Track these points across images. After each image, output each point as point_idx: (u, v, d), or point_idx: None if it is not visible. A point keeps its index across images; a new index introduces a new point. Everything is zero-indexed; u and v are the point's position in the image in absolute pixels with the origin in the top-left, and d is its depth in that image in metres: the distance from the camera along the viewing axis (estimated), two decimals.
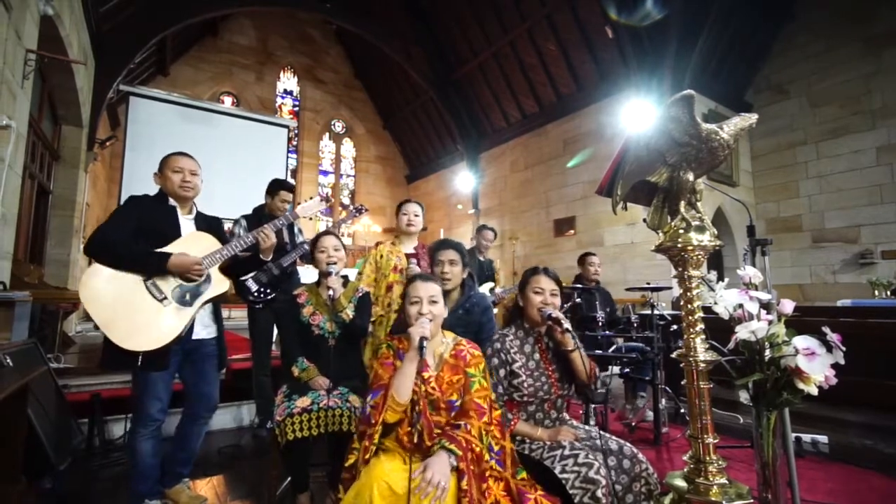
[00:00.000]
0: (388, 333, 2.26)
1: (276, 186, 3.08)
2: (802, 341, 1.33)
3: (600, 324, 2.93)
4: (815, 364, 1.29)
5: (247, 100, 11.20)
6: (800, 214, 7.51)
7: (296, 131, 11.63)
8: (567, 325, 1.59)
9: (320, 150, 12.30)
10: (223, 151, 8.12)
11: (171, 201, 2.01)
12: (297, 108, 12.04)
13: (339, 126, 12.69)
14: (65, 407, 2.40)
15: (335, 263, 2.12)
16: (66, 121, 5.98)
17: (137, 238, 1.86)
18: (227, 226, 2.57)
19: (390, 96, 12.34)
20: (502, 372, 1.65)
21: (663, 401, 3.02)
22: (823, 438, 2.78)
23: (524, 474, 1.45)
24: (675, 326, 3.19)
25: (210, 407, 2.07)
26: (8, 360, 1.98)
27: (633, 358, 2.82)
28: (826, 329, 1.34)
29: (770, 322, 1.46)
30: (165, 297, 1.86)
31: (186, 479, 2.07)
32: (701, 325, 1.45)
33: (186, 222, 2.03)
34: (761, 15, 7.28)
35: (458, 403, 1.43)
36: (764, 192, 7.96)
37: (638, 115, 6.86)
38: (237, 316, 7.85)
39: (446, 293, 2.09)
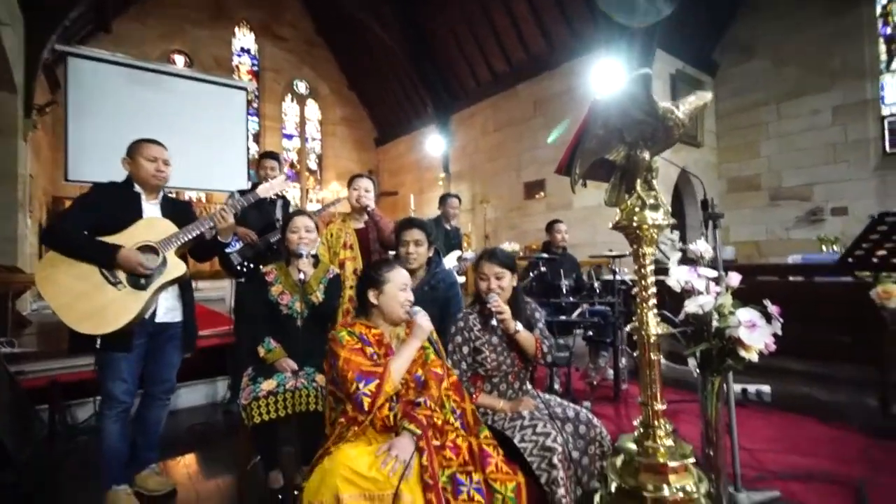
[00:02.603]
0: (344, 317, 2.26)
1: (260, 156, 3.13)
2: (745, 314, 1.40)
3: (565, 291, 3.01)
4: (756, 335, 1.37)
5: (200, 59, 10.48)
6: (759, 174, 7.76)
7: (255, 93, 11.04)
8: (504, 314, 1.64)
9: (283, 112, 11.76)
10: (178, 117, 7.62)
11: (137, 188, 1.98)
12: (255, 68, 11.38)
13: (301, 87, 12.10)
14: (20, 395, 2.34)
15: (306, 245, 2.08)
16: None
17: (100, 225, 1.83)
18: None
19: (355, 55, 11.77)
20: (465, 349, 1.70)
21: (623, 360, 3.17)
22: (767, 388, 3.00)
23: (487, 432, 1.51)
24: (635, 290, 3.31)
25: (167, 389, 2.07)
26: None
27: (596, 322, 2.93)
28: (767, 301, 1.41)
29: (718, 294, 1.53)
30: (120, 282, 1.82)
31: (154, 466, 2.08)
32: (654, 301, 1.51)
33: (151, 208, 2.00)
34: None
35: (422, 378, 1.47)
36: (727, 152, 8.15)
37: (607, 75, 6.80)
38: (204, 287, 7.71)
39: (411, 272, 2.09)
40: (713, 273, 1.45)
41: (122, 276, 1.82)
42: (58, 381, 2.57)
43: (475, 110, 9.72)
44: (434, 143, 10.37)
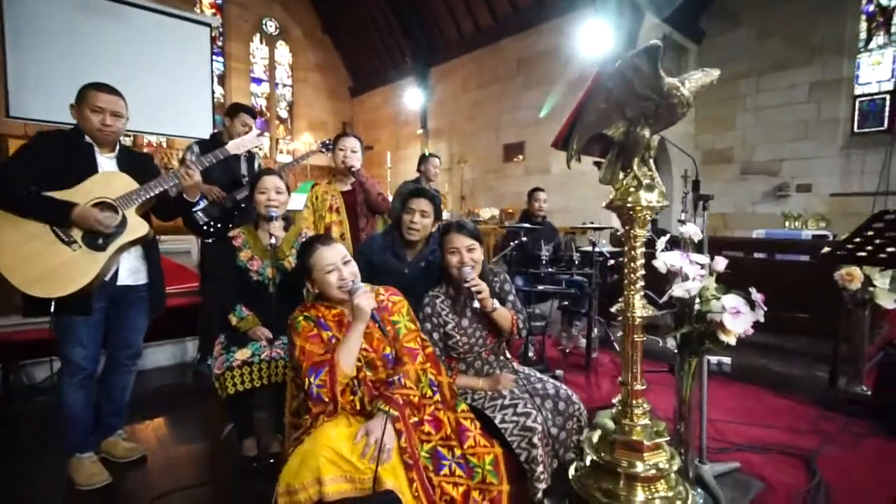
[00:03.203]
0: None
1: (236, 109, 2.88)
2: (731, 300, 1.42)
3: (544, 261, 3.01)
4: (739, 321, 1.39)
5: None
6: (733, 147, 7.86)
7: (220, 30, 10.20)
8: (483, 292, 1.58)
9: (251, 53, 10.96)
10: (134, 52, 6.97)
11: (87, 138, 1.76)
12: (220, 2, 10.44)
13: (271, 26, 11.24)
14: None
15: (276, 207, 1.96)
16: None
17: (46, 180, 1.64)
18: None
19: None
20: (436, 335, 1.66)
21: (595, 330, 3.25)
22: (727, 360, 3.16)
23: (464, 405, 1.51)
24: (612, 262, 3.34)
25: (132, 355, 1.96)
26: None
27: (572, 293, 2.96)
28: (752, 290, 1.42)
29: (702, 277, 1.54)
30: (75, 242, 1.68)
31: (121, 432, 2.01)
32: (641, 283, 1.50)
33: (106, 161, 1.81)
34: None
35: (391, 356, 1.43)
36: (704, 123, 8.18)
37: (594, 36, 6.60)
38: (167, 239, 7.37)
39: (411, 244, 2.01)
40: (706, 259, 1.45)
41: (76, 235, 1.67)
42: (12, 340, 2.42)
43: (457, 64, 9.33)
44: (412, 97, 9.97)
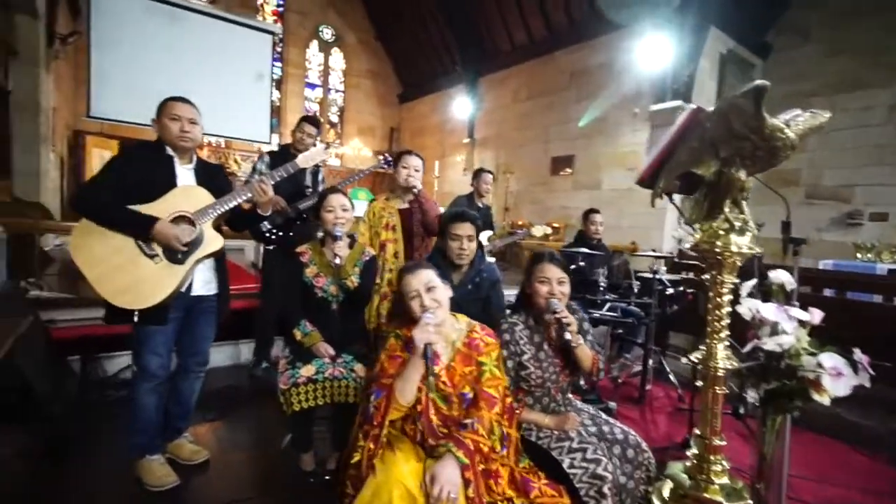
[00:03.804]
0: (388, 315, 2.20)
1: (299, 120, 3.03)
2: (829, 360, 1.31)
3: (601, 288, 2.92)
4: (840, 384, 1.28)
5: None
6: (799, 169, 7.41)
7: (280, 37, 10.60)
8: (571, 328, 1.53)
9: (307, 59, 11.33)
10: (200, 56, 7.36)
11: (169, 150, 1.85)
12: (281, 9, 10.87)
13: (327, 33, 11.59)
14: (54, 350, 2.34)
15: (342, 225, 1.99)
16: (18, 8, 5.25)
17: (130, 192, 1.73)
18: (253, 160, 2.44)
19: (386, 1, 11.18)
20: (510, 363, 1.62)
21: (650, 361, 3.12)
22: None
23: (527, 462, 1.48)
24: (670, 290, 3.20)
25: (201, 362, 2.04)
26: None
27: (630, 323, 2.86)
28: (857, 350, 1.31)
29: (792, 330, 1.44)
30: (156, 255, 1.76)
31: (187, 434, 2.09)
32: (726, 332, 1.42)
33: (185, 172, 1.89)
34: None
35: (470, 396, 1.40)
36: None
37: (653, 51, 6.41)
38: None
39: (458, 268, 2.00)
40: (806, 315, 1.35)
41: (158, 248, 1.75)
42: (95, 333, 2.57)
43: (507, 74, 9.29)
44: (461, 106, 10.00)
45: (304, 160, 2.19)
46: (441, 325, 1.42)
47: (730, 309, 1.42)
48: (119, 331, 2.53)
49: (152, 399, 1.85)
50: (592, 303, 2.91)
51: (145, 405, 1.83)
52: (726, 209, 1.41)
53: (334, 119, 11.91)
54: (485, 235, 3.78)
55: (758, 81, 1.22)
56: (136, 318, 1.71)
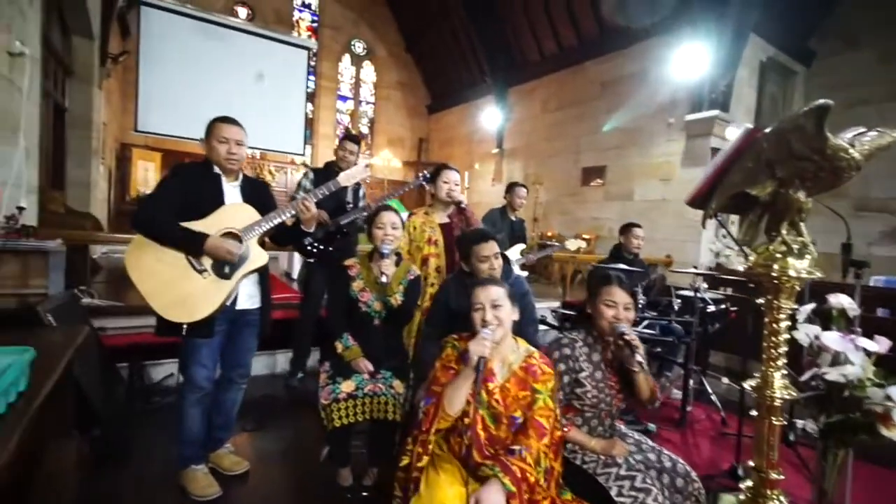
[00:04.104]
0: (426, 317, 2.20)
1: (341, 138, 3.15)
2: None
3: (640, 305, 2.85)
4: None
5: (262, 11, 10.39)
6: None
7: (315, 51, 10.91)
8: (640, 352, 1.50)
9: (339, 72, 11.61)
10: (240, 71, 7.65)
11: (216, 169, 1.93)
12: (315, 25, 11.20)
13: (359, 47, 11.85)
14: (106, 357, 2.44)
15: (391, 242, 2.02)
16: (76, 31, 5.59)
17: (181, 210, 1.81)
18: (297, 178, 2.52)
19: (416, 14, 11.37)
20: (566, 378, 1.60)
21: (690, 382, 3.01)
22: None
23: (569, 495, 1.44)
24: (712, 308, 3.09)
25: (243, 374, 2.09)
26: (50, 318, 1.96)
27: (670, 342, 2.77)
28: None
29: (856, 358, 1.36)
30: (205, 270, 1.82)
31: (228, 445, 2.14)
32: (783, 360, 1.35)
33: (231, 190, 1.96)
34: None
35: (520, 421, 1.38)
36: None
37: (689, 59, 6.27)
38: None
39: None
40: (874, 346, 1.27)
41: (207, 264, 1.81)
42: (139, 342, 2.67)
43: (537, 85, 9.27)
44: (489, 116, 10.02)
45: (345, 178, 2.24)
46: (499, 343, 1.42)
47: (787, 336, 1.36)
48: (166, 339, 2.63)
49: (198, 410, 1.91)
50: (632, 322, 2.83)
51: (192, 416, 1.89)
52: (783, 231, 1.35)
53: (364, 130, 12.13)
54: (518, 248, 3.75)
55: (820, 101, 1.18)
56: (184, 331, 1.77)
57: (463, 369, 1.35)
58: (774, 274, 1.33)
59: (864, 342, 1.27)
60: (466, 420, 1.35)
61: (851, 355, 1.27)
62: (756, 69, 6.83)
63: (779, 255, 1.34)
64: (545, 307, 5.07)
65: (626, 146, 7.44)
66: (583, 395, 1.59)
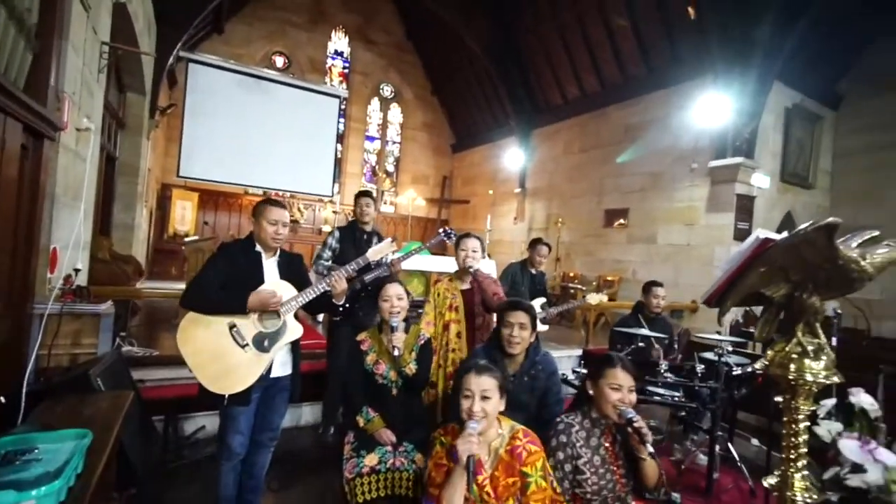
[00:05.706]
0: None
1: (356, 195, 3.30)
2: None
3: (662, 370, 2.84)
4: None
5: (298, 60, 11.04)
6: (882, 224, 6.87)
7: (346, 97, 11.47)
8: (648, 436, 1.52)
9: (368, 115, 12.12)
10: (276, 119, 8.13)
11: (258, 247, 2.09)
12: (346, 71, 11.80)
13: (387, 90, 12.39)
14: (145, 413, 2.57)
15: (398, 314, 2.11)
16: (131, 89, 6.09)
17: (225, 285, 1.97)
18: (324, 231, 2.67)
19: (442, 60, 11.87)
20: (568, 467, 1.62)
21: (717, 447, 2.94)
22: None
23: None
24: (737, 371, 3.04)
25: (273, 437, 2.18)
26: (99, 382, 2.11)
27: (694, 408, 2.74)
28: None
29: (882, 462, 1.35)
30: (247, 344, 1.94)
31: None
32: (803, 461, 1.36)
33: (270, 265, 2.12)
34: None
35: None
36: (842, 196, 7.33)
37: (712, 106, 6.33)
38: None
39: (511, 357, 2.04)
40: (893, 458, 1.27)
41: (248, 337, 1.94)
42: (175, 395, 2.80)
43: (560, 127, 9.45)
44: (512, 156, 10.22)
45: (373, 254, 2.37)
46: (484, 433, 1.47)
47: (806, 437, 1.36)
48: (187, 392, 2.72)
49: (231, 476, 2.00)
50: (652, 382, 2.82)
51: (227, 483, 1.99)
52: (799, 333, 1.38)
53: (390, 168, 12.52)
54: (538, 302, 3.79)
55: (830, 219, 1.23)
56: (225, 402, 1.88)
57: (455, 468, 1.39)
58: (791, 376, 1.35)
59: (884, 454, 1.27)
60: None
61: (870, 467, 1.27)
62: (781, 115, 6.83)
63: (794, 356, 1.37)
64: (566, 355, 5.03)
65: (649, 189, 7.46)
66: (584, 483, 1.60)
